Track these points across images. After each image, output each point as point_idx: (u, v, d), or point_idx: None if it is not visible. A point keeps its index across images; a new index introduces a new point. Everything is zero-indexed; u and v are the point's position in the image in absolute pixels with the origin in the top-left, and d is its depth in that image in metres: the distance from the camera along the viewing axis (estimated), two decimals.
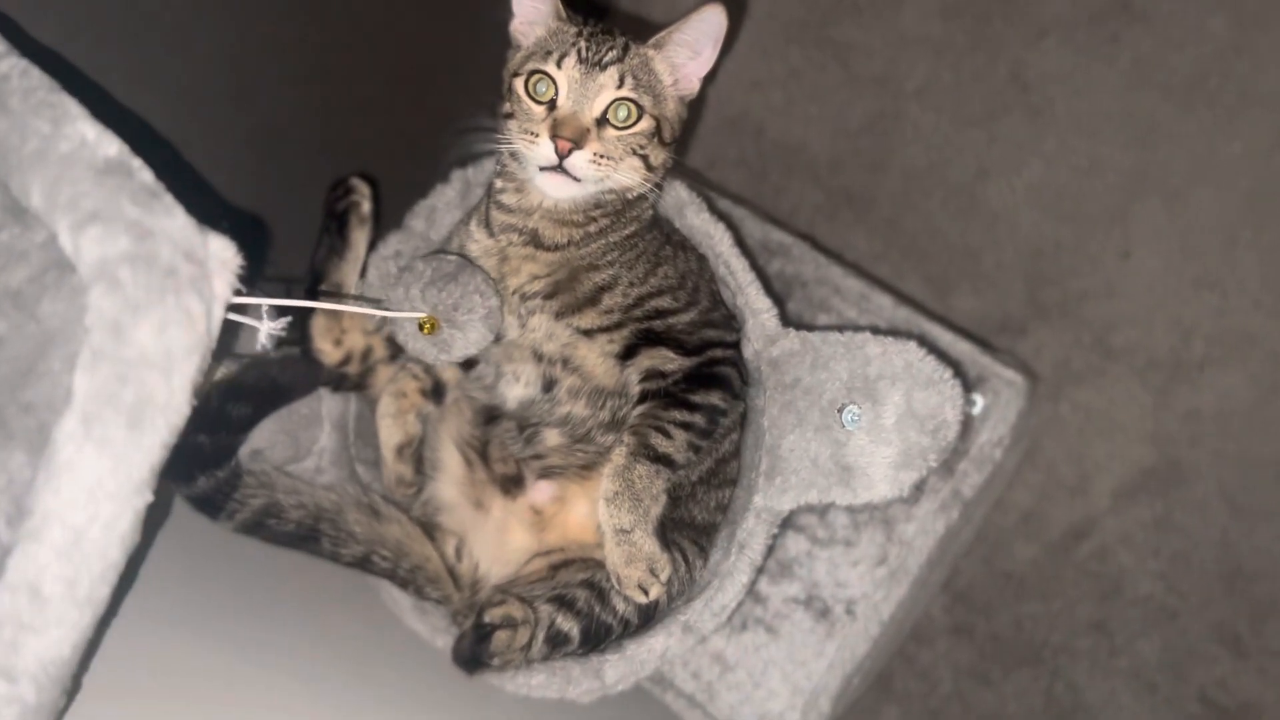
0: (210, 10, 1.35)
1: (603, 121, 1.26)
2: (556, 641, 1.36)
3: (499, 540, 1.44)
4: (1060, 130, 2.02)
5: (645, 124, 1.28)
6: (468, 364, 1.48)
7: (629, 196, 1.34)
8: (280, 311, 1.11)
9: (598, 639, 1.38)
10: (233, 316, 0.99)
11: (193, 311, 0.88)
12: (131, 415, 0.86)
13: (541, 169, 1.27)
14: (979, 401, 1.53)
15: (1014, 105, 2.05)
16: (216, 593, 1.38)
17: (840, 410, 1.26)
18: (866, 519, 1.58)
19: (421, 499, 1.52)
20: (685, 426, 1.31)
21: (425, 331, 1.30)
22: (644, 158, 1.29)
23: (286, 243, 1.58)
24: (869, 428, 1.23)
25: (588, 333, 1.36)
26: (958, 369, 1.52)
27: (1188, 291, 1.93)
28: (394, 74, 1.68)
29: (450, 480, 1.48)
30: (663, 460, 1.29)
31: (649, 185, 1.33)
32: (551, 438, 1.41)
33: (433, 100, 1.45)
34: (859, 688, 1.70)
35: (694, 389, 1.33)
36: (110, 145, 0.91)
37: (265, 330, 1.07)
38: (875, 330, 1.27)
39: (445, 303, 1.30)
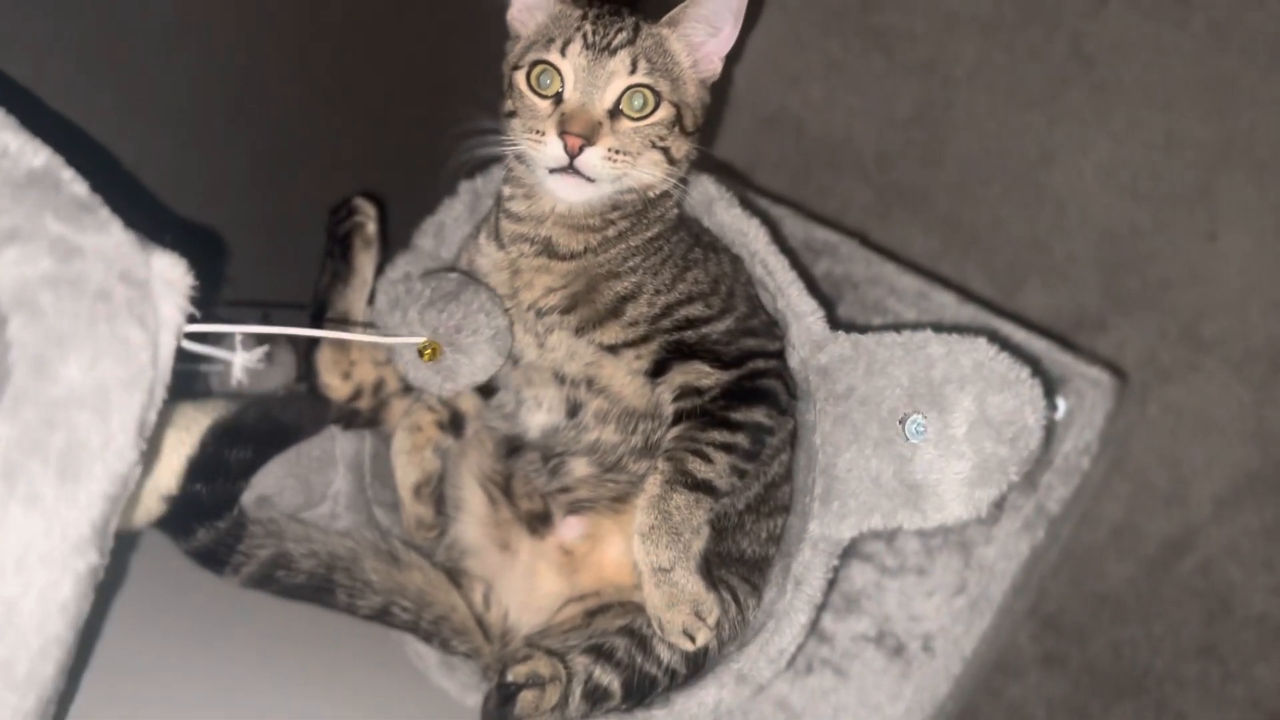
0: (198, 18, 1.24)
1: (616, 113, 1.13)
2: (596, 697, 1.21)
3: (528, 585, 1.30)
4: (1130, 104, 1.85)
5: (664, 112, 1.14)
6: (487, 391, 1.35)
7: (650, 195, 1.20)
8: (258, 341, 0.98)
9: (642, 692, 1.23)
10: (193, 347, 0.87)
11: (131, 340, 0.76)
12: (62, 465, 0.74)
13: (551, 170, 1.14)
14: (1061, 405, 1.36)
15: (1076, 81, 1.88)
16: (224, 650, 1.26)
17: (902, 421, 1.10)
18: (940, 543, 1.41)
19: (445, 543, 1.39)
20: (727, 448, 1.16)
21: (426, 358, 1.17)
22: (664, 150, 1.16)
23: (286, 267, 1.47)
24: (937, 439, 1.07)
25: (612, 348, 1.22)
26: (1035, 369, 1.36)
27: None
28: (394, 82, 1.56)
29: (474, 520, 1.35)
30: (703, 487, 1.14)
31: (672, 181, 1.19)
32: (579, 468, 1.27)
33: (437, 108, 1.33)
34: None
35: (735, 405, 1.19)
36: (36, 155, 0.79)
37: (238, 363, 0.95)
38: (938, 329, 1.11)
39: (446, 325, 1.17)
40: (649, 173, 1.16)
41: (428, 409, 1.36)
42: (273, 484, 1.36)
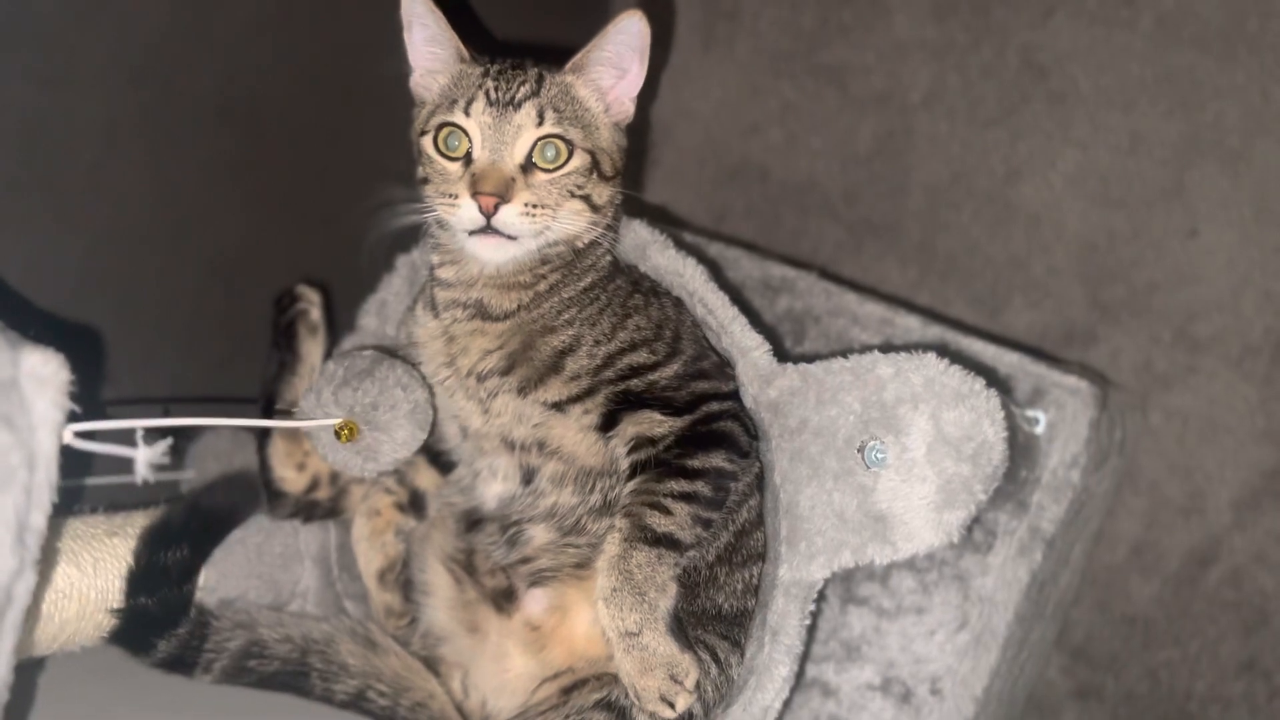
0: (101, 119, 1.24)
1: (529, 166, 1.11)
2: None
3: (499, 668, 1.24)
4: (1090, 111, 1.81)
5: (578, 160, 1.12)
6: (445, 467, 1.31)
7: (579, 245, 1.17)
8: (163, 435, 0.94)
9: None
10: (85, 445, 0.84)
11: None
12: None
13: (470, 233, 1.11)
14: (1041, 419, 1.30)
15: (1033, 95, 1.85)
16: None
17: (861, 449, 1.04)
18: (936, 578, 1.34)
19: (419, 631, 1.33)
20: (686, 498, 1.11)
21: (344, 439, 1.13)
22: (585, 198, 1.13)
23: (225, 361, 1.45)
24: (897, 464, 1.02)
25: (559, 406, 1.18)
26: (1008, 385, 1.30)
27: (1273, 260, 1.67)
28: (314, 165, 1.56)
29: (441, 603, 1.30)
30: (664, 542, 1.09)
31: (598, 228, 1.16)
32: (538, 535, 1.22)
33: (361, 185, 1.32)
34: None
35: (691, 452, 1.13)
36: None
37: (142, 459, 0.91)
38: (888, 349, 1.06)
39: (362, 402, 1.14)
40: (572, 223, 1.13)
41: (385, 491, 1.32)
42: (235, 586, 1.32)
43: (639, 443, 1.16)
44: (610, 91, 1.14)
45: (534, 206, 1.09)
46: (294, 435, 1.34)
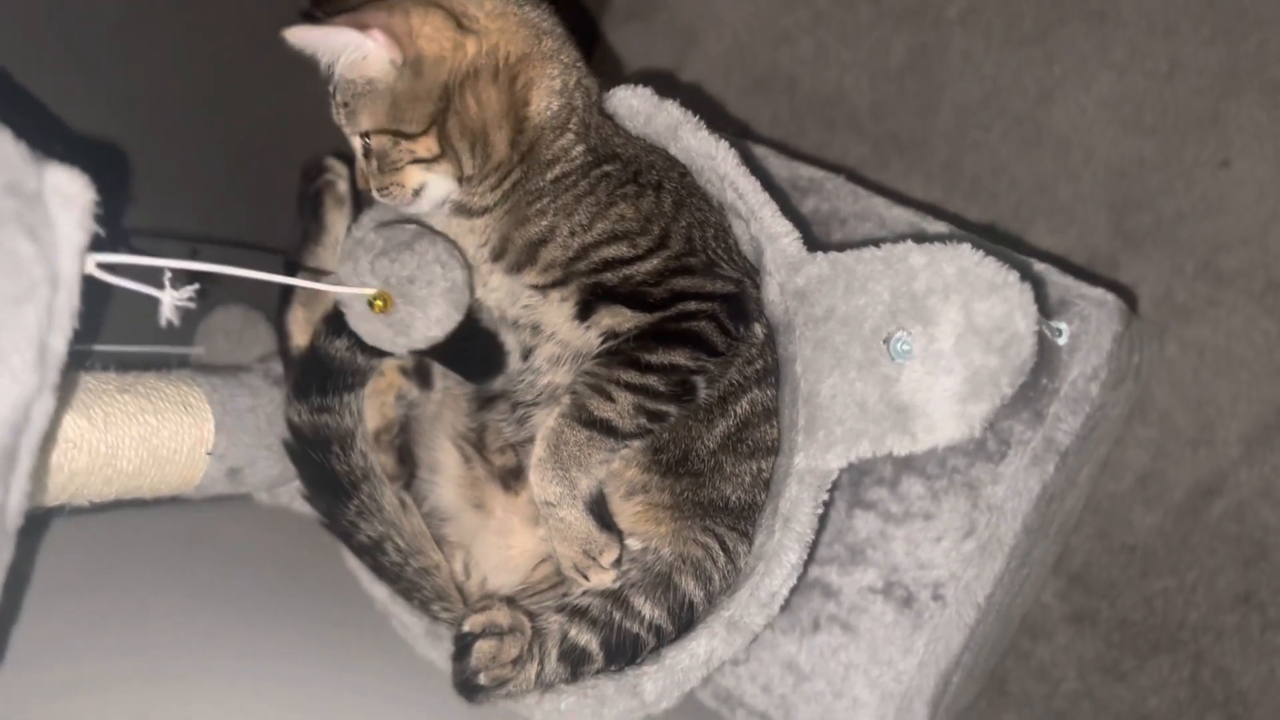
0: None
1: (369, 156, 1.18)
2: (575, 659, 1.15)
3: (502, 544, 1.25)
4: (1130, 34, 1.77)
5: (378, 142, 1.15)
6: None
7: (525, 145, 1.17)
8: (190, 279, 0.93)
9: (625, 653, 1.17)
10: (108, 278, 0.82)
11: (20, 253, 0.71)
12: None
13: None
14: (1065, 330, 1.28)
15: (1071, 14, 1.81)
16: (200, 626, 1.22)
17: (886, 340, 1.03)
18: (946, 485, 1.34)
19: (424, 510, 1.33)
20: (633, 388, 1.11)
21: (377, 310, 1.12)
22: (416, 162, 1.15)
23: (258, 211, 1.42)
24: (923, 355, 1.01)
25: (540, 290, 1.19)
26: (1036, 293, 1.28)
27: None
28: None
29: (449, 481, 1.30)
30: (599, 426, 1.10)
31: (476, 161, 1.17)
32: (542, 416, 1.21)
33: None
34: (960, 688, 1.44)
35: (650, 347, 1.13)
36: None
37: (167, 302, 0.89)
38: (920, 239, 1.04)
39: (399, 275, 1.12)
40: (435, 184, 1.17)
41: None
42: (244, 455, 1.32)
43: (608, 335, 1.16)
44: (359, 64, 1.13)
45: (383, 189, 1.16)
46: (313, 304, 1.32)
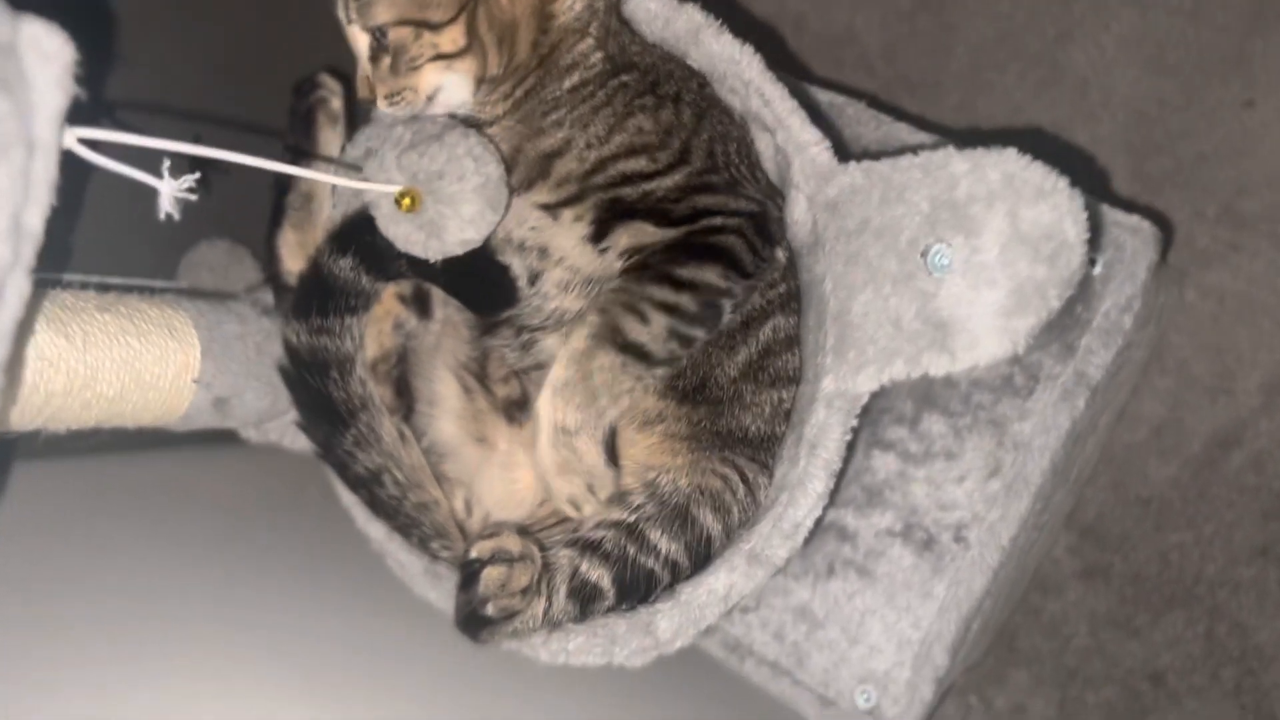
0: None
1: (377, 57, 1.08)
2: (585, 595, 1.09)
3: (506, 478, 1.18)
4: None
5: (396, 35, 1.06)
6: None
7: (546, 48, 1.10)
8: (192, 166, 0.85)
9: (638, 590, 1.10)
10: (94, 158, 0.75)
11: None
12: None
13: None
14: (1098, 259, 1.22)
15: None
16: (191, 567, 1.15)
17: (924, 253, 0.97)
18: (970, 423, 1.28)
19: (423, 446, 1.26)
20: (668, 309, 1.04)
21: (405, 208, 1.04)
22: (437, 58, 1.07)
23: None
24: (964, 268, 0.94)
25: (549, 209, 1.12)
26: None
27: None
28: None
29: (449, 414, 1.23)
30: (633, 350, 1.03)
31: (503, 58, 1.09)
32: (551, 343, 1.14)
33: None
34: (978, 636, 1.39)
35: (681, 261, 1.06)
36: None
37: (165, 192, 0.82)
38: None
39: (428, 169, 1.03)
40: (454, 86, 1.09)
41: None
42: (231, 385, 1.24)
43: (630, 252, 1.09)
44: None
45: (393, 95, 1.07)
46: (305, 226, 1.25)
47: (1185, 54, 1.69)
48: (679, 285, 1.04)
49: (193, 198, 0.84)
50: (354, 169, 1.19)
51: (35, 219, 0.68)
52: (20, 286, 0.68)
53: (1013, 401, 1.26)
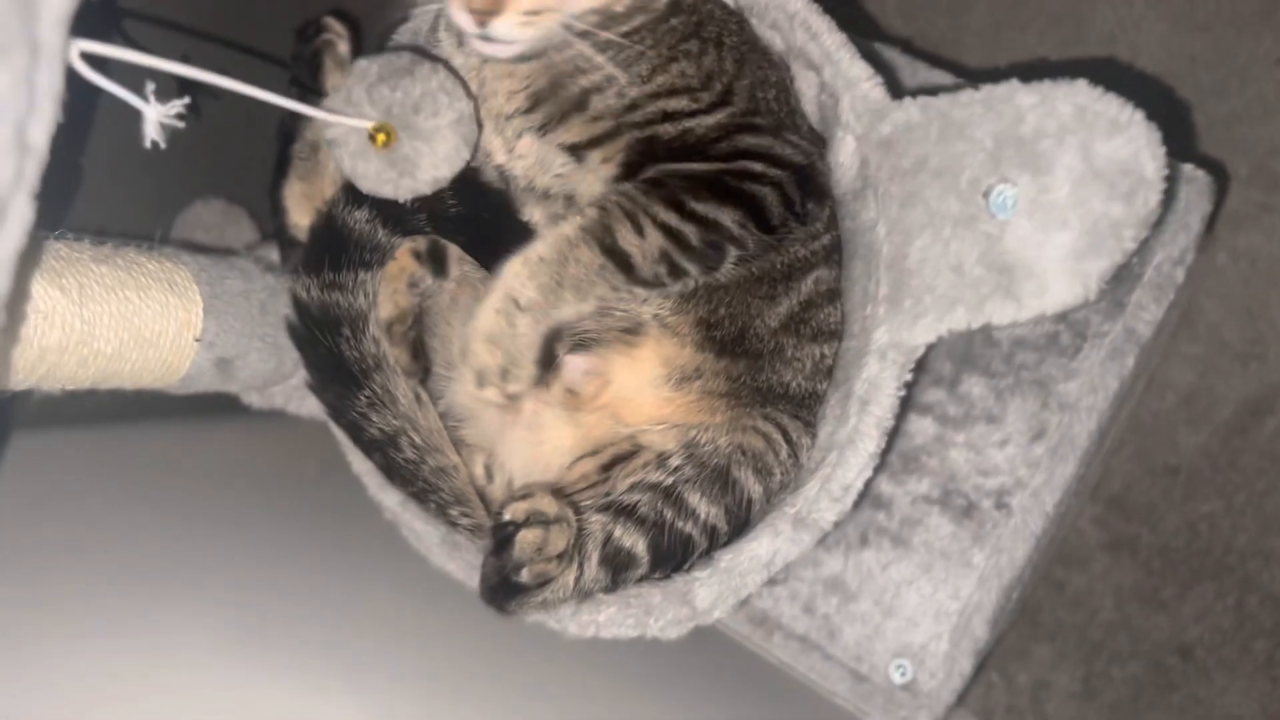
0: None
1: None
2: (618, 563, 1.02)
3: (532, 440, 1.11)
4: None
5: None
6: None
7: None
8: (182, 89, 0.78)
9: (674, 557, 1.04)
10: (91, 75, 0.67)
11: None
12: None
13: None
14: None
15: None
16: (208, 546, 1.09)
17: (985, 194, 0.91)
18: (1013, 384, 1.23)
19: (439, 410, 1.19)
20: (667, 231, 0.97)
21: (380, 144, 0.97)
22: None
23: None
24: (1031, 208, 0.89)
25: (575, 150, 1.05)
26: None
27: None
28: None
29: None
30: (617, 258, 0.97)
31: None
32: None
33: None
34: (1015, 607, 1.34)
35: (702, 194, 0.99)
36: None
37: (151, 117, 0.75)
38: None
39: (401, 103, 0.97)
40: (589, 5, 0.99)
41: None
42: (234, 345, 1.17)
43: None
44: None
45: (532, 14, 0.95)
46: (313, 176, 1.18)
47: (1216, 10, 1.64)
48: (686, 215, 0.98)
49: (180, 125, 0.77)
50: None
51: (40, 133, 0.61)
52: (23, 211, 0.61)
53: (1058, 361, 1.20)
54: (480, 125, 1.04)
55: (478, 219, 1.10)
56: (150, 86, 0.75)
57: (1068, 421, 1.19)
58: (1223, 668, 1.64)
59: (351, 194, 1.10)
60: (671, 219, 0.97)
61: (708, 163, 1.00)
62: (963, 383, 1.25)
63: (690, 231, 0.98)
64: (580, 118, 1.03)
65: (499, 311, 0.98)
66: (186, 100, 0.76)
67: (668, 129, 1.01)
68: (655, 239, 0.97)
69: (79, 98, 0.66)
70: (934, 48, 1.82)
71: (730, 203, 1.00)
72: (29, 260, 0.95)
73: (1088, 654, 1.72)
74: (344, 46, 1.22)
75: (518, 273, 0.98)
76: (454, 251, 1.18)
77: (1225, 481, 1.64)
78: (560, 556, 0.97)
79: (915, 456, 1.27)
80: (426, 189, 1.01)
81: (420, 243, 1.17)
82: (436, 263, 1.18)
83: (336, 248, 1.10)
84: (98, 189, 1.24)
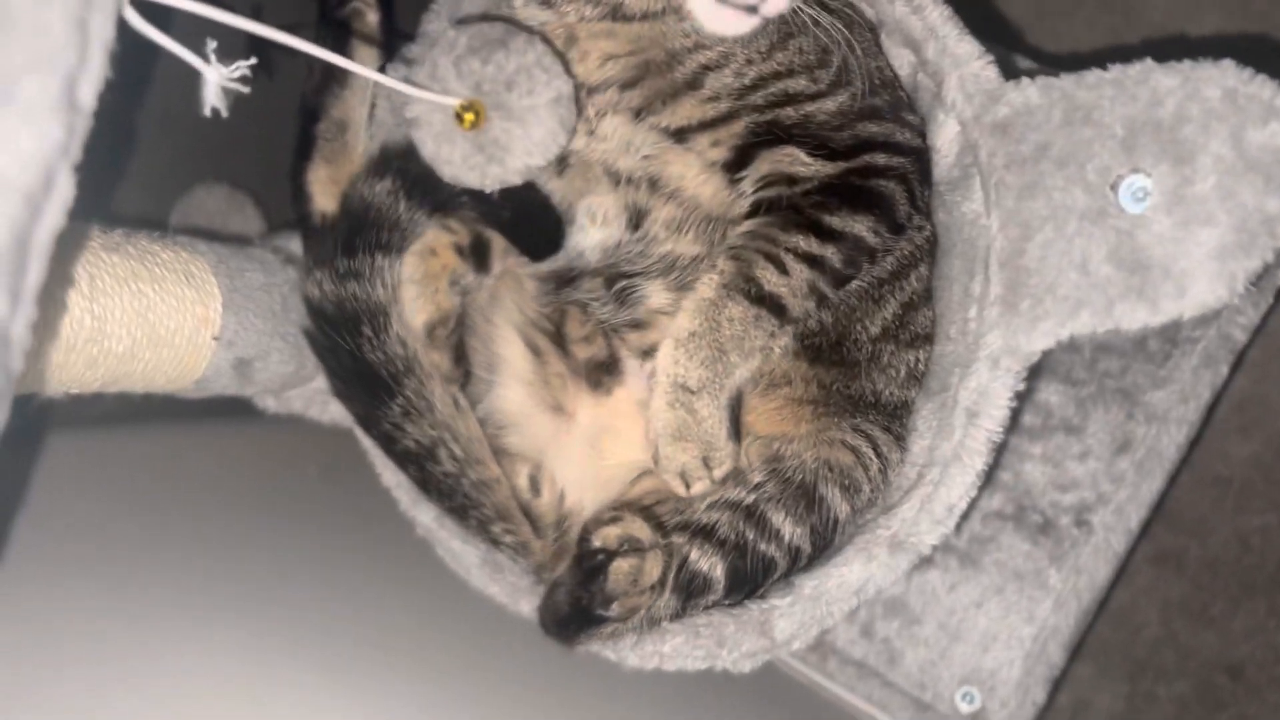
0: None
1: None
2: (693, 589, 0.93)
3: (590, 454, 1.02)
4: None
5: None
6: None
7: None
8: (248, 48, 0.67)
9: (751, 581, 0.95)
10: (146, 28, 0.57)
11: None
12: None
13: None
14: None
15: None
16: (236, 562, 0.99)
17: (1114, 185, 0.82)
18: (1095, 392, 1.15)
19: (478, 415, 1.09)
20: (811, 261, 0.90)
21: (468, 124, 0.85)
22: None
23: None
24: (1169, 202, 0.80)
25: (681, 134, 0.95)
26: None
27: None
28: None
29: (514, 380, 1.06)
30: (768, 303, 0.90)
31: None
32: (655, 294, 0.98)
33: None
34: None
35: (833, 207, 0.92)
36: None
37: (212, 80, 0.64)
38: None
39: (494, 78, 0.86)
40: None
41: (444, 228, 1.05)
42: (255, 344, 1.06)
43: (772, 181, 0.94)
44: None
45: None
46: (339, 159, 1.07)
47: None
48: (826, 236, 0.90)
49: (245, 90, 0.67)
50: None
51: (88, 96, 0.50)
52: (66, 186, 0.51)
53: (1145, 368, 1.12)
54: (580, 108, 0.93)
55: (523, 196, 0.99)
56: (211, 45, 0.65)
57: (1155, 433, 1.12)
58: (1274, 686, 1.58)
59: (376, 165, 0.99)
60: (813, 246, 0.91)
61: (830, 161, 0.93)
62: (1040, 390, 1.17)
63: (831, 253, 0.92)
64: (693, 98, 0.94)
65: (672, 404, 0.91)
66: (253, 61, 0.65)
67: (789, 113, 0.94)
68: (800, 273, 0.90)
69: None
70: (978, 32, 1.74)
71: (862, 208, 0.93)
72: (70, 246, 0.85)
73: (1132, 672, 1.65)
74: (373, 16, 1.12)
75: (674, 357, 0.91)
76: (498, 245, 1.08)
77: (1278, 493, 1.57)
78: (653, 588, 0.87)
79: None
80: (517, 178, 0.90)
81: (463, 235, 1.06)
82: (479, 258, 1.07)
83: (350, 228, 0.99)
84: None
